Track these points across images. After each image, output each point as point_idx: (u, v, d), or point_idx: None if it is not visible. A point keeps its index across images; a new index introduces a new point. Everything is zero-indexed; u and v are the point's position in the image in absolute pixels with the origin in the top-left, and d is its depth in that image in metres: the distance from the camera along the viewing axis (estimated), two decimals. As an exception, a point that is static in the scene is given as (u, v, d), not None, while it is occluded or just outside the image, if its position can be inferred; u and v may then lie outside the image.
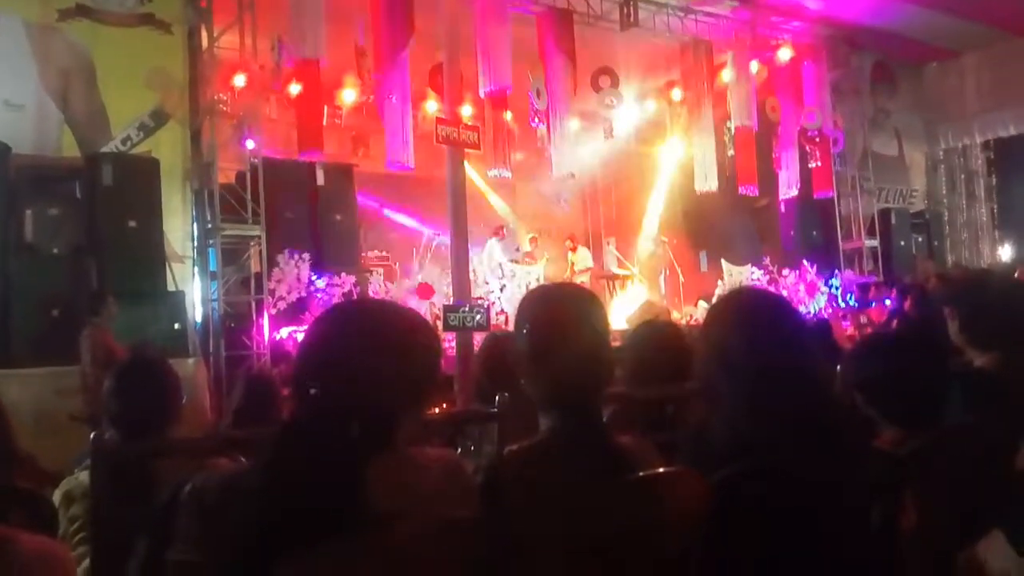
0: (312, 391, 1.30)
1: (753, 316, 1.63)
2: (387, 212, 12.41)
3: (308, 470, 1.20)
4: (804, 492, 1.42)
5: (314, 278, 8.65)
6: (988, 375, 2.27)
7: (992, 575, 1.11)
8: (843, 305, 11.52)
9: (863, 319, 9.09)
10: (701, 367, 1.67)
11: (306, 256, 8.67)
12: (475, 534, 1.25)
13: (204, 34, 8.58)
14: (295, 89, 8.49)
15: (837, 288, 11.97)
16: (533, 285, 9.19)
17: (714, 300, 10.62)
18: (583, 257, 12.57)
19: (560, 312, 1.57)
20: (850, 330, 8.64)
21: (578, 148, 11.25)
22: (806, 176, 12.05)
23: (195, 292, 8.45)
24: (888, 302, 9.47)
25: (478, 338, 5.83)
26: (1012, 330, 2.33)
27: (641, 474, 1.43)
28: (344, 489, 1.19)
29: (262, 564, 1.11)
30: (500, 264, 11.47)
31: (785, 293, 10.90)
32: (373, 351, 1.30)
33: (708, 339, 1.67)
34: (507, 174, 10.38)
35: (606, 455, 1.47)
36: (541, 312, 1.60)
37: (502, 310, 10.12)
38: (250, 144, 8.72)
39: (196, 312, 8.40)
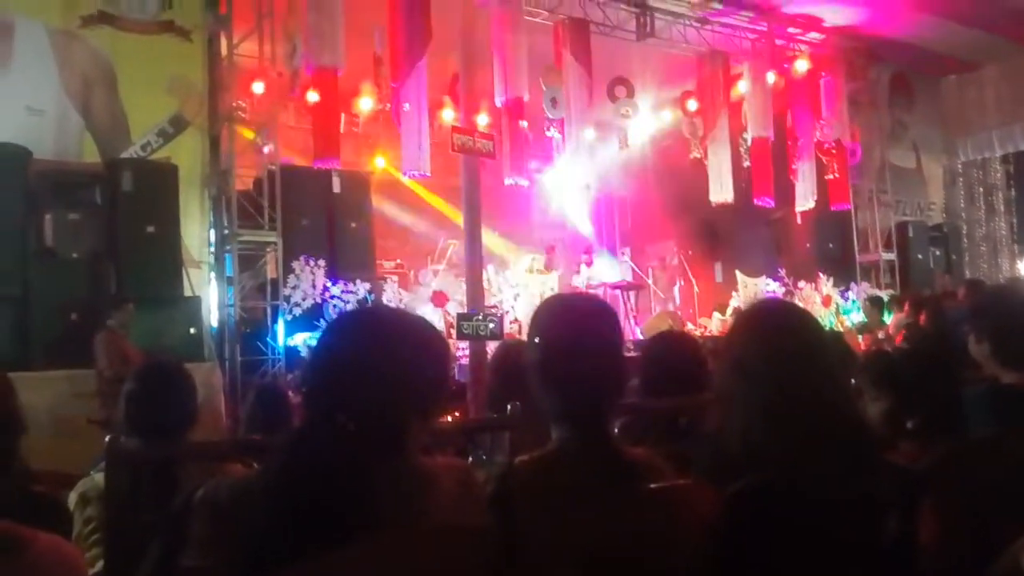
0: (322, 398, 1.30)
1: (772, 327, 1.62)
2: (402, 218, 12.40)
3: (317, 477, 1.20)
4: (815, 507, 1.41)
5: (329, 285, 8.70)
6: (1019, 392, 2.21)
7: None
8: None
9: (880, 334, 8.99)
10: (718, 376, 1.67)
11: (321, 263, 8.72)
12: (484, 543, 1.25)
13: (224, 41, 8.67)
14: (313, 97, 8.55)
15: (855, 302, 11.89)
16: (547, 295, 9.17)
17: (729, 311, 10.46)
18: (599, 271, 12.49)
19: (572, 323, 1.57)
20: (863, 345, 8.55)
21: (593, 158, 11.24)
22: (823, 188, 11.99)
23: (211, 297, 8.51)
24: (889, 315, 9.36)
25: (491, 347, 5.83)
26: None
27: (651, 486, 1.43)
28: (353, 497, 1.20)
29: (272, 570, 1.11)
30: (514, 273, 11.45)
31: (800, 305, 10.80)
32: (384, 359, 1.31)
33: (727, 348, 1.67)
34: (524, 183, 10.39)
35: (616, 467, 1.47)
36: (554, 322, 1.60)
37: (515, 319, 10.12)
38: (268, 150, 8.79)
39: (212, 317, 8.46)
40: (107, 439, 1.96)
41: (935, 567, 1.64)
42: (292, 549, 1.15)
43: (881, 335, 8.92)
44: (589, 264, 12.38)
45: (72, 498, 2.38)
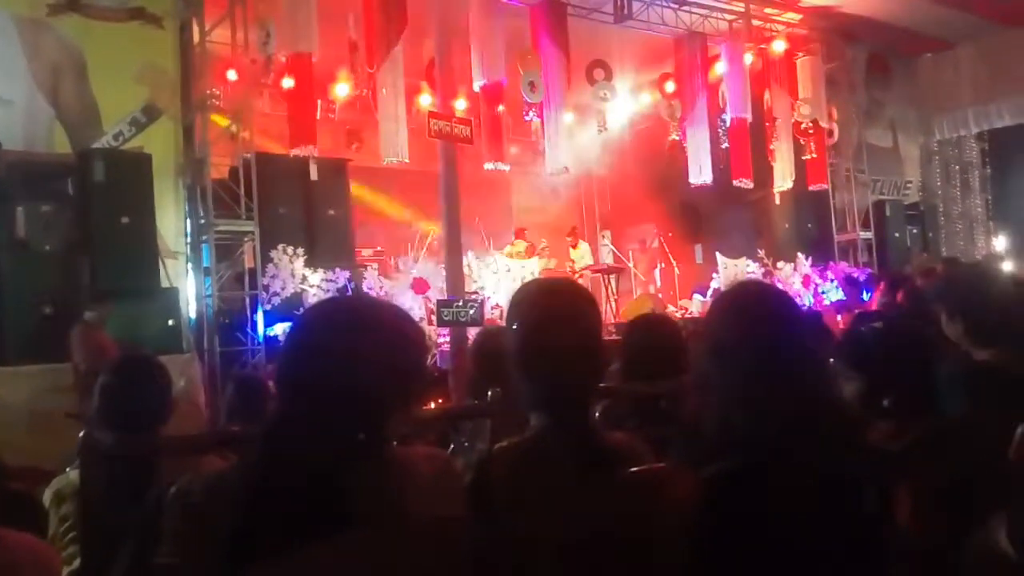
0: (296, 389, 1.28)
1: (749, 309, 1.62)
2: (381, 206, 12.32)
3: (292, 470, 1.19)
4: (792, 490, 1.41)
5: (308, 273, 8.63)
6: (994, 368, 2.24)
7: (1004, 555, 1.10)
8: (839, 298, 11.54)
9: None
10: (697, 360, 1.67)
11: (300, 251, 8.64)
12: (463, 533, 1.24)
13: (195, 28, 8.54)
14: (288, 83, 8.45)
15: (833, 282, 11.98)
16: (528, 280, 9.13)
17: (710, 292, 10.49)
18: (583, 254, 12.50)
19: (551, 309, 1.55)
20: (842, 324, 8.62)
21: (572, 141, 11.21)
22: (800, 168, 12.04)
23: (189, 288, 8.43)
24: (866, 295, 9.44)
25: (473, 333, 5.81)
26: (1018, 326, 2.30)
27: (630, 471, 1.42)
28: (330, 490, 1.18)
29: (245, 566, 1.10)
30: (495, 258, 11.43)
31: (780, 286, 10.88)
32: (358, 348, 1.29)
33: (705, 332, 1.66)
34: (504, 167, 10.34)
35: (595, 453, 1.46)
36: (531, 309, 1.58)
37: (497, 304, 10.10)
38: (243, 138, 8.69)
39: (190, 308, 8.38)
40: (81, 434, 1.93)
41: (912, 547, 1.65)
42: (267, 545, 1.13)
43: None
44: (574, 247, 12.40)
45: (47, 496, 2.35)
